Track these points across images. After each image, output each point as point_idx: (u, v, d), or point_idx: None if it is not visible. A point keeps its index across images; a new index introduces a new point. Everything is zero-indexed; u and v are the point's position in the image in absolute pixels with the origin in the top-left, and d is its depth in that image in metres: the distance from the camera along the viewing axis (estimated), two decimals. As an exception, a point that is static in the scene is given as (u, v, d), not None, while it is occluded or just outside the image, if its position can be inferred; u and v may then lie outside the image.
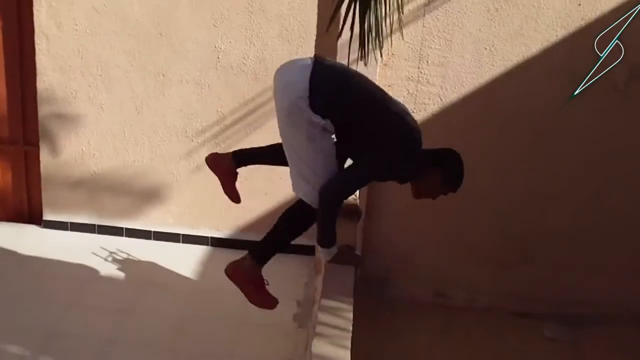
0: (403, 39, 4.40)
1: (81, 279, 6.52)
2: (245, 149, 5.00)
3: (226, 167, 4.94)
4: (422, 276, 6.77)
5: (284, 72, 4.48)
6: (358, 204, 5.21)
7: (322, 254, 4.48)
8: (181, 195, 7.02)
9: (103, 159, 7.06)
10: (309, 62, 4.37)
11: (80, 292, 6.33)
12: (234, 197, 5.00)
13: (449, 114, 6.35)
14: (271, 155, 4.85)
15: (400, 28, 3.80)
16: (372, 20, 4.01)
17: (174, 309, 6.13)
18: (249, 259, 4.60)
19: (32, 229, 7.33)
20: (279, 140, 4.49)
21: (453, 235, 6.65)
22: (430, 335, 6.30)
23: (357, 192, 5.62)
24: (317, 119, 4.20)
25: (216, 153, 5.06)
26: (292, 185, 4.49)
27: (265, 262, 4.65)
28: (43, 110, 7.00)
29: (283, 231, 4.62)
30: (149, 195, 7.04)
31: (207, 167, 6.69)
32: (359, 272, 6.30)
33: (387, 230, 6.69)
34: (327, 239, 4.40)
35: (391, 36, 4.49)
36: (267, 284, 4.67)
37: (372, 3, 3.97)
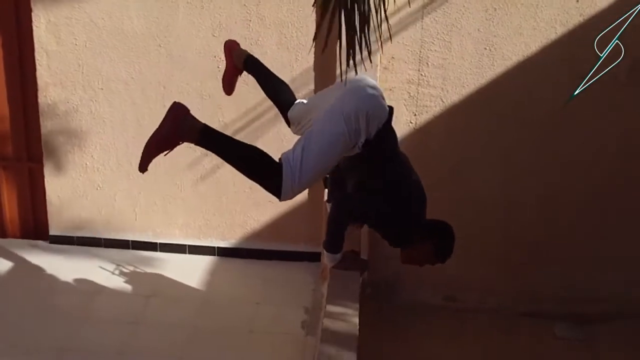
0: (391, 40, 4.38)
1: (89, 292, 6.53)
2: (261, 64, 5.01)
3: (236, 61, 4.97)
4: (431, 280, 6.73)
5: (372, 83, 4.51)
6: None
7: (327, 259, 4.49)
8: (186, 206, 7.01)
9: (107, 172, 7.06)
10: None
11: (89, 306, 6.34)
12: (226, 87, 5.09)
13: (450, 115, 6.36)
14: (272, 85, 4.96)
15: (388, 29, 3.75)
16: (357, 25, 3.98)
17: (183, 319, 6.13)
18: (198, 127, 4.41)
19: (39, 245, 7.33)
20: (283, 151, 4.41)
21: (461, 237, 6.59)
22: (440, 339, 6.29)
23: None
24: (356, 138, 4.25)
25: (237, 43, 5.05)
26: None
27: (205, 141, 4.45)
28: (46, 125, 7.00)
29: (241, 151, 4.44)
30: (154, 207, 7.04)
31: (210, 177, 6.74)
32: (367, 277, 6.30)
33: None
34: (334, 245, 4.44)
35: (390, 39, 4.47)
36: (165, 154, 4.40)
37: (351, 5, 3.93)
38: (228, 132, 6.70)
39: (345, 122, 4.18)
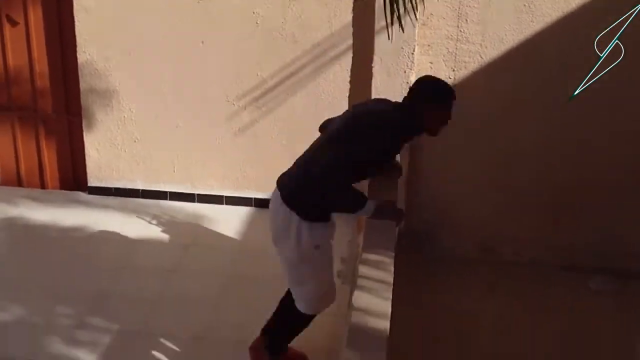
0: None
1: (128, 242, 6.62)
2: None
3: None
4: (467, 231, 6.76)
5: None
6: (398, 160, 5.21)
7: (362, 214, 4.49)
8: (224, 158, 7.07)
9: (145, 125, 7.12)
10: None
11: (127, 255, 6.43)
12: None
13: (489, 72, 6.33)
14: None
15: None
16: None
17: (219, 268, 6.20)
18: (267, 353, 4.84)
19: (78, 196, 7.44)
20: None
21: (499, 190, 6.62)
22: (475, 291, 6.30)
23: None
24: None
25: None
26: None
27: (285, 349, 4.88)
28: (85, 80, 7.07)
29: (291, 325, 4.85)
30: (192, 159, 7.12)
31: (248, 130, 6.77)
32: (403, 228, 6.33)
33: (431, 186, 6.68)
34: (354, 205, 4.41)
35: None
36: None
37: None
38: (266, 86, 6.79)
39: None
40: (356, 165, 4.36)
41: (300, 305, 4.69)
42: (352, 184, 4.37)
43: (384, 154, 4.49)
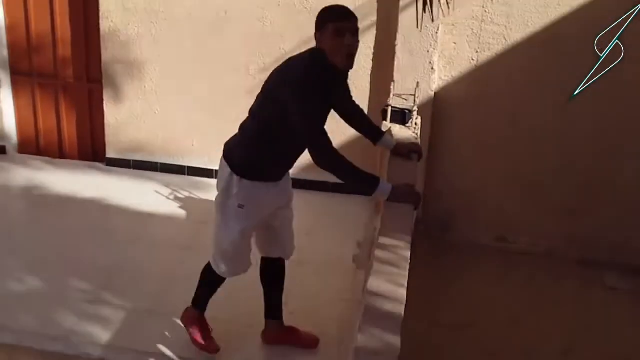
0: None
1: (144, 216, 6.62)
2: None
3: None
4: (484, 219, 6.73)
5: None
6: (418, 142, 5.14)
7: (378, 195, 4.38)
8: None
9: (166, 96, 7.09)
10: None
11: (142, 229, 6.42)
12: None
13: (513, 54, 6.27)
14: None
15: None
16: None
17: (234, 246, 6.15)
18: (191, 306, 4.86)
19: (96, 167, 7.45)
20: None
21: (517, 179, 6.58)
22: (489, 279, 6.27)
23: (418, 132, 5.57)
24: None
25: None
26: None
27: (203, 308, 4.85)
28: (106, 48, 7.05)
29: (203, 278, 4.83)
30: (211, 133, 7.07)
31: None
32: (421, 214, 6.28)
33: (450, 172, 6.65)
34: (366, 185, 4.24)
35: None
36: (212, 330, 4.85)
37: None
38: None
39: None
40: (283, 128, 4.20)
41: (211, 261, 4.69)
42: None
43: (309, 109, 4.13)
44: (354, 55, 4.16)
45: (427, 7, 4.31)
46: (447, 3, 4.51)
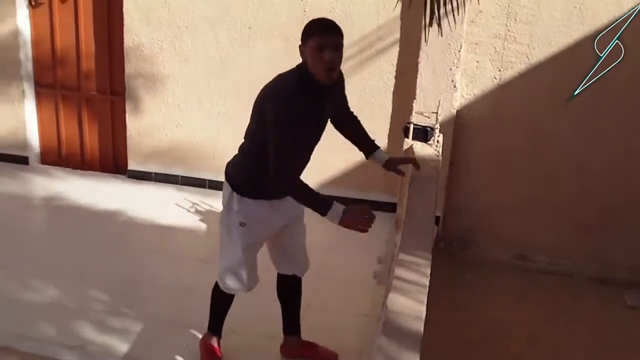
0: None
1: (164, 228, 6.64)
2: None
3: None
4: (504, 237, 6.71)
5: None
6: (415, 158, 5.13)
7: (329, 219, 4.22)
8: (264, 148, 7.03)
9: (188, 110, 7.12)
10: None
11: (162, 241, 6.45)
12: None
13: (535, 74, 6.26)
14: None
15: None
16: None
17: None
18: (207, 332, 4.88)
19: (117, 179, 7.49)
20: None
21: (537, 198, 6.56)
22: (508, 297, 6.24)
23: (440, 149, 5.58)
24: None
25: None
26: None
27: (218, 332, 4.86)
28: (130, 61, 7.09)
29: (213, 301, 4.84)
30: (232, 147, 7.06)
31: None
32: (441, 230, 6.28)
33: (470, 190, 6.64)
34: (318, 206, 4.19)
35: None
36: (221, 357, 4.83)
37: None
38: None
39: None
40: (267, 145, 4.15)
41: (217, 279, 4.69)
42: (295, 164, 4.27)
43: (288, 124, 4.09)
44: (336, 70, 4.12)
45: (433, 20, 4.32)
46: (454, 17, 4.51)
